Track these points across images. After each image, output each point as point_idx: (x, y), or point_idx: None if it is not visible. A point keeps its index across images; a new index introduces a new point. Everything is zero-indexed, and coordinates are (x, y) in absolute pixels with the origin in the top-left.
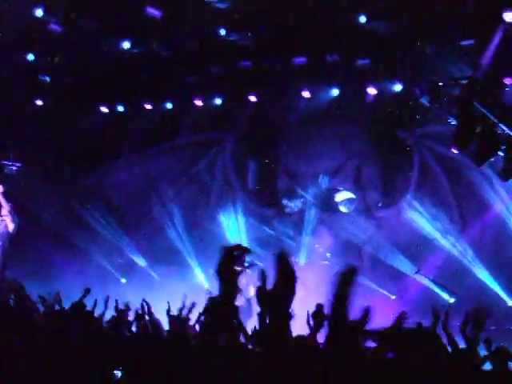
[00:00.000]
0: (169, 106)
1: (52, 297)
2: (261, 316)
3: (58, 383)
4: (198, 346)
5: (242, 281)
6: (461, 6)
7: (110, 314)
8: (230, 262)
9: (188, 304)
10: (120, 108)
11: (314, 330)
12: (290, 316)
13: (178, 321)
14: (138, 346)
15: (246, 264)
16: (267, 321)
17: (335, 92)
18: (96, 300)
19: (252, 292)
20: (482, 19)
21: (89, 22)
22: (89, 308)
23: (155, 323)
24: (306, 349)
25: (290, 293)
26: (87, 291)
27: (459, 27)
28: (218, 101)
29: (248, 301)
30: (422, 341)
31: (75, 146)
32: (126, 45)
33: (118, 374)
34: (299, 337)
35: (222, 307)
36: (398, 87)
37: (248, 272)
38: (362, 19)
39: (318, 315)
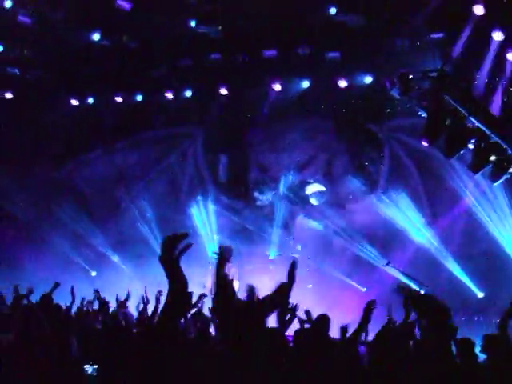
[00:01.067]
0: (139, 98)
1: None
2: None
3: (27, 378)
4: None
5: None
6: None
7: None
8: (170, 251)
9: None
10: (90, 100)
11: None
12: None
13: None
14: (110, 340)
15: (214, 255)
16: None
17: (306, 85)
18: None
19: (237, 287)
20: (452, 12)
21: (58, 14)
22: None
23: (126, 316)
24: (275, 343)
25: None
26: (56, 285)
27: (429, 20)
28: (189, 93)
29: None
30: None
31: (45, 139)
32: (96, 36)
33: (89, 369)
34: (270, 329)
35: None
36: (368, 80)
37: (231, 266)
38: (333, 11)
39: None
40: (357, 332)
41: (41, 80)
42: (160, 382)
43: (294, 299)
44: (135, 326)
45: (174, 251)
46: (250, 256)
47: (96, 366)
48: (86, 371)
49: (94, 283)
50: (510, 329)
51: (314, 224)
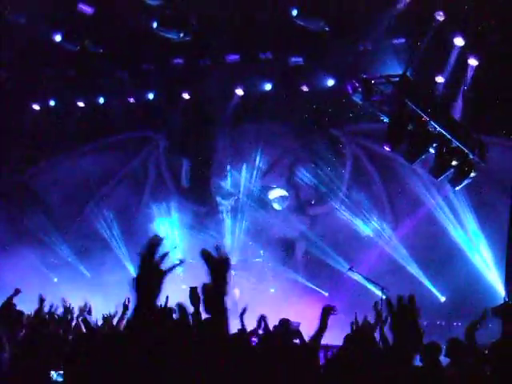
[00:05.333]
0: (101, 100)
1: None
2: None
3: None
4: (126, 345)
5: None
6: (393, 4)
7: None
8: (151, 256)
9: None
10: (52, 103)
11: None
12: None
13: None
14: (74, 346)
15: (177, 261)
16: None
17: (268, 90)
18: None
19: (238, 294)
20: (414, 18)
21: (20, 17)
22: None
23: (87, 322)
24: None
25: (222, 289)
26: (16, 292)
27: (391, 26)
28: (151, 98)
29: (234, 303)
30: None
31: (7, 144)
32: (58, 38)
33: (54, 375)
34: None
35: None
36: (330, 84)
37: (233, 274)
38: (294, 12)
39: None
40: (315, 337)
41: (3, 83)
42: None
43: (256, 303)
44: (99, 332)
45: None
46: None
47: (61, 372)
48: (52, 377)
49: (56, 289)
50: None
51: (275, 229)
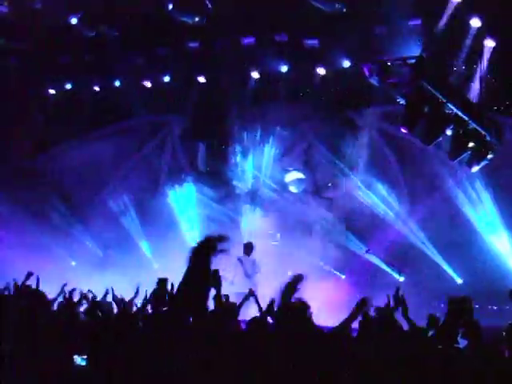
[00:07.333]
0: (117, 84)
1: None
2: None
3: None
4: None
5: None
6: None
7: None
8: (205, 251)
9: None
10: (68, 86)
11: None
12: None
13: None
14: (95, 331)
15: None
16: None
17: (284, 72)
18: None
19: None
20: None
21: (35, 2)
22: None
23: (107, 307)
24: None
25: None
26: (29, 274)
27: (407, 7)
28: (167, 81)
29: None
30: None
31: (21, 128)
32: (74, 20)
33: (78, 359)
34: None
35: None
36: (346, 66)
37: (252, 260)
38: None
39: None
40: (345, 324)
41: (18, 67)
42: (148, 370)
43: (273, 286)
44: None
45: (212, 250)
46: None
47: (85, 357)
48: (75, 362)
49: (75, 273)
50: None
51: (292, 212)
